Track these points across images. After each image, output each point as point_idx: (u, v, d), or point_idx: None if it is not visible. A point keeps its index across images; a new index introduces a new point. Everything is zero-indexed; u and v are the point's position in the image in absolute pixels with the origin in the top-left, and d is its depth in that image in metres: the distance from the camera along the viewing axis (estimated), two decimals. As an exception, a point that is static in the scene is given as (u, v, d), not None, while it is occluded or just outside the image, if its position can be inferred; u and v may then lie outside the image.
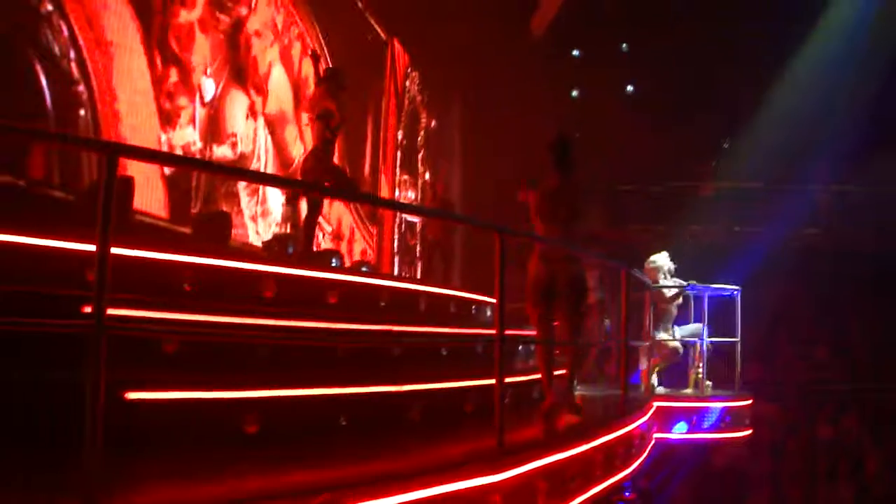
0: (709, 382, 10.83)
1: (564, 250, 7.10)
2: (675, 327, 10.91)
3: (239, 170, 12.30)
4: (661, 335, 10.68)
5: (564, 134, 7.75)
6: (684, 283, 10.93)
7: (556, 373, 7.36)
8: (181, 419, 4.39)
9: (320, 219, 11.03)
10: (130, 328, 3.91)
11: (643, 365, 10.59)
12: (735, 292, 10.91)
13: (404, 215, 19.33)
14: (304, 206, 10.53)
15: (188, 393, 4.60)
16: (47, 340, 3.69)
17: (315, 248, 10.15)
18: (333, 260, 10.26)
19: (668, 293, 10.87)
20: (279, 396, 5.04)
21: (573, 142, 7.56)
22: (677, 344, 10.80)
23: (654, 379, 10.70)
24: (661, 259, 11.09)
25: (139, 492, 3.44)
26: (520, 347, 9.92)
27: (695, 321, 11.00)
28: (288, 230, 12.12)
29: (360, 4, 16.42)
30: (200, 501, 3.26)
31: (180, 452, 4.21)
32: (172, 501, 3.28)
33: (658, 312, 10.75)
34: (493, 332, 4.91)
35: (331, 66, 12.16)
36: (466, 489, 4.32)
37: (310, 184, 9.44)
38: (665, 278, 10.91)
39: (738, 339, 10.89)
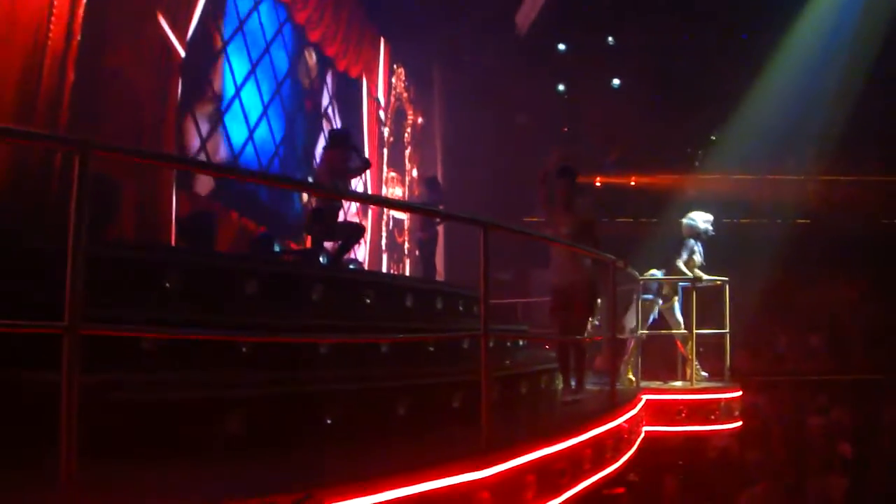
0: (705, 373, 10.80)
1: (579, 269, 7.82)
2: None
3: (223, 167, 12.25)
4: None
5: (572, 165, 8.16)
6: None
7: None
8: (161, 420, 4.33)
9: None
10: (104, 327, 3.83)
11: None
12: (723, 283, 10.84)
13: (392, 213, 19.35)
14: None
15: (168, 393, 4.55)
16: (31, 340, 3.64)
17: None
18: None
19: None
20: (262, 394, 4.97)
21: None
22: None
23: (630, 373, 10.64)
24: (700, 218, 11.04)
25: (118, 494, 3.37)
26: (520, 343, 9.92)
27: (682, 314, 10.92)
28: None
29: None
30: (182, 502, 3.20)
31: (161, 453, 4.16)
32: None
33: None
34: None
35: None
36: (454, 486, 4.29)
37: (300, 182, 9.55)
38: (698, 241, 10.87)
39: (727, 331, 10.85)
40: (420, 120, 22.41)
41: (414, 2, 17.32)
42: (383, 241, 19.42)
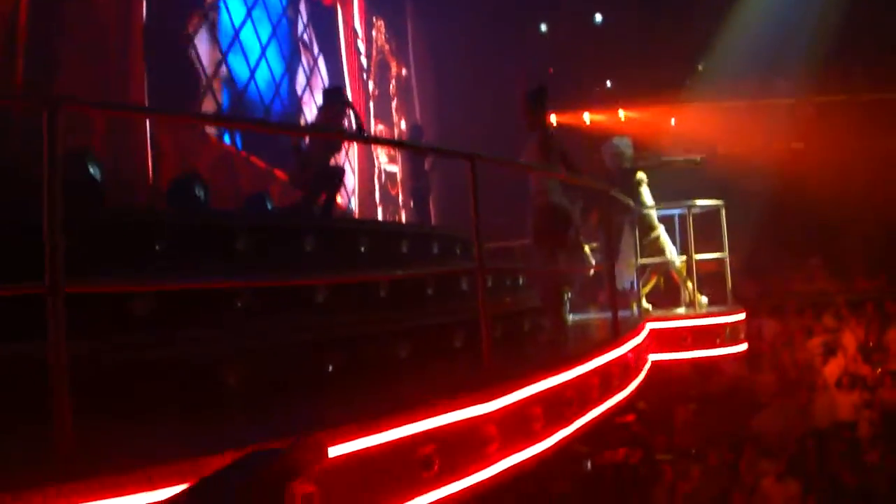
0: (704, 298, 10.71)
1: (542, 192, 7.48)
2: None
3: (207, 115, 12.06)
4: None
5: (542, 83, 7.92)
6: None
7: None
8: (159, 378, 4.28)
9: None
10: (90, 285, 3.77)
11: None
12: (720, 206, 10.75)
13: (384, 166, 19.28)
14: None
15: (163, 350, 4.49)
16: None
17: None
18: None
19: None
20: (260, 346, 4.93)
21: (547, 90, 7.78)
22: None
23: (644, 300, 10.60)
24: (622, 143, 10.92)
25: (118, 455, 3.32)
26: (520, 282, 9.86)
27: (681, 242, 10.85)
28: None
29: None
30: (184, 454, 3.15)
31: (161, 409, 4.12)
32: (154, 456, 3.16)
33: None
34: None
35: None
36: (460, 421, 4.24)
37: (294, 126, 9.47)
38: (626, 165, 10.74)
39: (725, 255, 10.80)
40: (404, 71, 22.25)
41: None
42: (377, 195, 19.36)
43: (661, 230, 10.71)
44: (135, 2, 10.68)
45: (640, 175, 10.71)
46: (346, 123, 10.24)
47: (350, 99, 10.53)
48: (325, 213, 9.78)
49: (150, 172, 10.42)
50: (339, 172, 10.30)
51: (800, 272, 20.25)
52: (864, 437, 11.51)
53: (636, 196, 10.50)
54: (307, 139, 10.01)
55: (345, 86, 16.39)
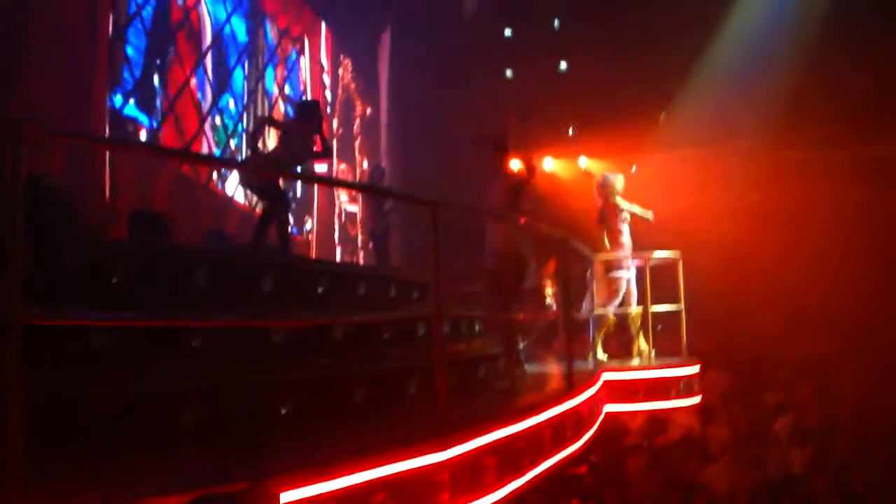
0: (648, 348, 10.74)
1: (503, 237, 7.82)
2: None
3: (168, 149, 11.98)
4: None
5: (503, 135, 8.44)
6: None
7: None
8: (112, 413, 4.23)
9: None
10: (49, 318, 3.73)
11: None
12: (677, 258, 10.84)
13: (344, 205, 19.26)
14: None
15: (118, 386, 4.44)
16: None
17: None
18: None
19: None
20: (215, 386, 4.88)
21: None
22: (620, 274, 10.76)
23: (600, 351, 10.63)
24: (614, 177, 11.10)
25: (67, 491, 3.27)
26: (476, 328, 9.85)
27: (638, 294, 10.90)
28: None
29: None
30: (136, 495, 3.11)
31: (116, 448, 4.07)
32: (101, 495, 3.12)
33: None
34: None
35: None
36: (413, 469, 4.22)
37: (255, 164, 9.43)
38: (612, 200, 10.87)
39: (681, 307, 10.86)
40: (368, 111, 22.31)
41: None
42: (336, 235, 19.33)
43: (631, 273, 10.80)
44: (102, 18, 10.60)
45: (626, 213, 10.86)
46: (316, 140, 10.08)
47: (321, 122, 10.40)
48: (282, 242, 9.66)
49: (108, 194, 10.30)
50: (285, 195, 10.24)
51: (755, 324, 20.35)
52: (818, 493, 11.56)
53: (616, 233, 10.73)
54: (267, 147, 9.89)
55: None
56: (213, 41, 14.69)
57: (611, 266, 10.65)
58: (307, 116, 10.12)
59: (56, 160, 8.75)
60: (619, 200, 10.83)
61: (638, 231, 11.21)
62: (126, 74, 11.64)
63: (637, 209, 10.88)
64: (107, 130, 10.46)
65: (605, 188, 10.95)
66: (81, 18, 10.10)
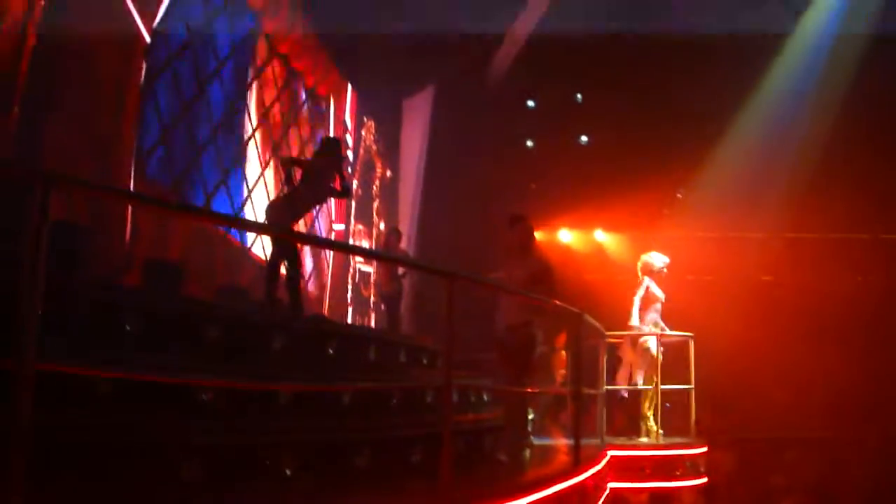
0: (660, 430, 10.71)
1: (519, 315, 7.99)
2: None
3: (190, 206, 12.08)
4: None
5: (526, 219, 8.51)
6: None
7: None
8: (119, 463, 4.21)
9: None
10: (58, 364, 3.74)
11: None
12: (689, 338, 10.87)
13: (359, 265, 19.28)
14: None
15: (121, 436, 4.43)
16: None
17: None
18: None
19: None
20: (220, 443, 4.87)
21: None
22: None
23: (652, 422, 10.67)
24: (655, 256, 11.23)
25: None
26: (484, 398, 9.81)
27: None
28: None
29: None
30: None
31: (111, 497, 4.05)
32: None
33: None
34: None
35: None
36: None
37: (274, 226, 9.41)
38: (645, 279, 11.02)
39: (692, 386, 10.83)
40: (389, 173, 22.43)
41: (379, 55, 17.37)
42: (349, 295, 19.33)
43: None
44: (134, 65, 10.82)
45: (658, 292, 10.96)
46: (335, 178, 10.06)
47: (341, 162, 10.42)
48: (293, 297, 9.66)
49: (128, 240, 10.39)
50: (296, 250, 10.16)
51: (764, 406, 20.22)
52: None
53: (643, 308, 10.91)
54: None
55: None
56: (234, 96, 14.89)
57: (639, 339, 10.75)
58: (329, 151, 10.19)
59: (79, 204, 8.85)
60: (647, 279, 10.94)
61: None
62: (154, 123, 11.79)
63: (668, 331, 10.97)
64: (132, 178, 10.59)
65: (642, 266, 11.18)
66: (113, 65, 10.29)
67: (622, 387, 10.86)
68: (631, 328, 10.83)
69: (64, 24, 9.02)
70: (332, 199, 12.56)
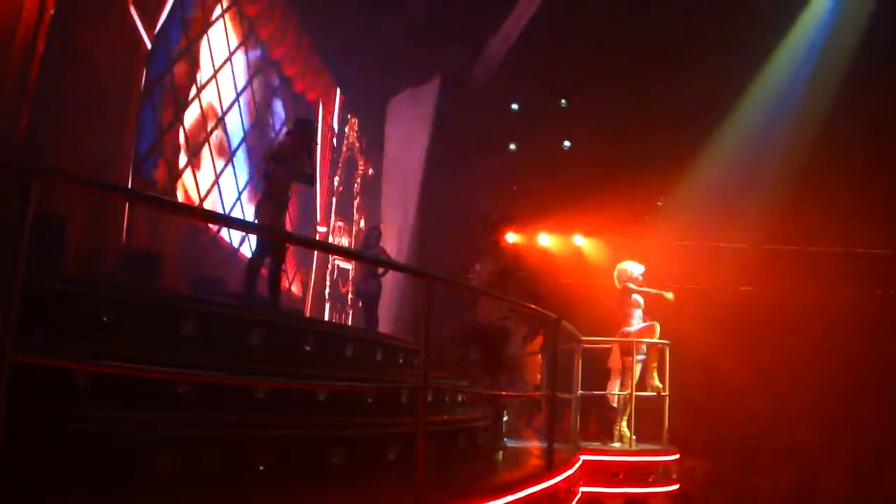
0: (632, 435, 10.77)
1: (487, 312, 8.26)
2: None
3: (177, 203, 12.10)
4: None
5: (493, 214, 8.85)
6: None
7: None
8: (95, 455, 4.21)
9: None
10: (37, 357, 3.72)
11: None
12: (664, 346, 10.93)
13: (337, 262, 19.26)
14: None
15: (97, 428, 4.42)
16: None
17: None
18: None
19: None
20: (195, 436, 4.86)
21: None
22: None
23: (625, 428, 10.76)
24: (631, 265, 11.39)
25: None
26: (459, 398, 9.81)
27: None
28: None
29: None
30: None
31: (86, 489, 4.05)
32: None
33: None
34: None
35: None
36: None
37: (263, 227, 9.42)
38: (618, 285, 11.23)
39: (665, 393, 10.89)
40: (371, 171, 22.42)
41: (366, 57, 17.40)
42: (326, 291, 19.31)
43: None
44: (136, 73, 10.95)
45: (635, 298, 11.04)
46: (306, 158, 10.05)
47: (318, 141, 10.47)
48: (272, 290, 9.64)
49: (124, 237, 10.44)
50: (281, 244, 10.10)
51: (739, 413, 20.32)
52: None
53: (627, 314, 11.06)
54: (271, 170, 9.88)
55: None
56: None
57: (629, 350, 10.82)
58: (302, 132, 10.18)
59: (78, 203, 8.92)
60: (631, 286, 11.07)
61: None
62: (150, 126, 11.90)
63: (652, 290, 11.12)
64: (130, 179, 10.70)
65: (619, 274, 11.35)
66: (118, 74, 10.39)
67: (601, 392, 10.93)
68: (628, 334, 10.94)
69: (71, 32, 9.20)
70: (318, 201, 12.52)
